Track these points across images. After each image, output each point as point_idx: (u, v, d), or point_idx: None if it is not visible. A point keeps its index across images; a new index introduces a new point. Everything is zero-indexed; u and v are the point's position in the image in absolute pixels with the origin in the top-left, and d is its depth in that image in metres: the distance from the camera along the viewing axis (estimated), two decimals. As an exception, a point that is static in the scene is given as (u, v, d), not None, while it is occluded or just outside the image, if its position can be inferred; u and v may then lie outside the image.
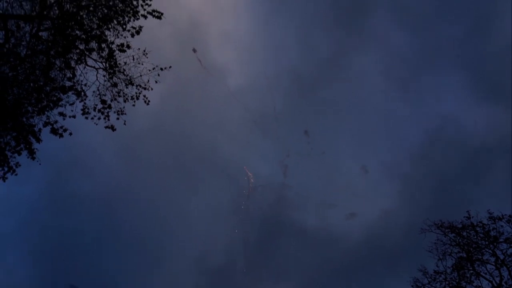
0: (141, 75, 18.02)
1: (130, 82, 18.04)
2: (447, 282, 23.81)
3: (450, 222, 25.15)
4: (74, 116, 17.76)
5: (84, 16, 16.42)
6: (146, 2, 17.31)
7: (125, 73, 17.88)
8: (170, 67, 18.44)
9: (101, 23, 16.32)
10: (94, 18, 16.48)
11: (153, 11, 17.14)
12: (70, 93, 17.42)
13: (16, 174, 17.73)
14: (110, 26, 16.65)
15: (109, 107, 18.03)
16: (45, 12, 16.77)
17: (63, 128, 17.19)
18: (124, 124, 18.34)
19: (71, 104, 17.61)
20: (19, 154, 17.25)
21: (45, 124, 16.92)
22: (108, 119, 18.10)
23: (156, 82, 18.20)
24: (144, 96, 18.38)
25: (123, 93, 18.09)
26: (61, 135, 17.07)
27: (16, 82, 16.54)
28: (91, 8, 16.35)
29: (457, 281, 23.70)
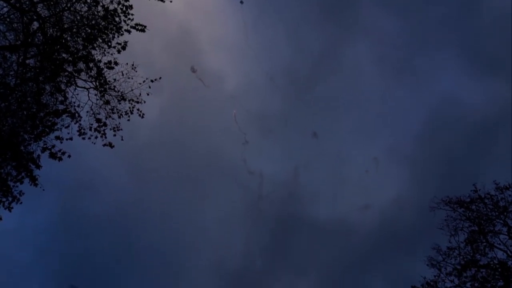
0: (132, 90, 18.10)
1: (122, 98, 18.10)
2: (461, 257, 23.80)
3: (458, 197, 25.15)
4: (71, 139, 17.81)
5: (68, 38, 16.49)
6: (128, 17, 17.37)
7: (116, 89, 17.96)
8: (160, 78, 18.52)
9: (86, 43, 16.38)
10: (78, 39, 16.55)
11: (136, 24, 17.18)
12: (64, 116, 17.48)
13: (21, 203, 17.79)
14: (95, 45, 16.71)
15: (105, 125, 18.10)
16: (29, 40, 16.86)
17: (61, 151, 17.25)
18: (122, 139, 18.40)
19: (67, 127, 17.68)
20: (21, 182, 17.31)
21: (43, 149, 16.98)
22: (105, 137, 18.15)
23: (148, 94, 18.28)
24: (138, 109, 18.44)
25: (117, 109, 18.16)
26: (60, 159, 17.12)
27: (9, 112, 16.62)
28: (74, 30, 16.43)
29: (471, 254, 23.69)
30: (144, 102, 18.40)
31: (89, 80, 17.63)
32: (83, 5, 16.71)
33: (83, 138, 18.26)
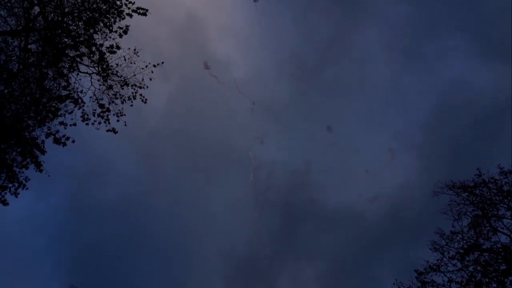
0: (134, 75, 18.01)
1: (125, 83, 18.04)
2: (464, 241, 23.87)
3: (462, 182, 25.08)
4: (74, 124, 17.85)
5: (70, 22, 16.35)
6: (129, 0, 17.18)
7: (118, 74, 17.88)
8: (162, 62, 18.38)
9: (87, 27, 16.24)
10: (79, 23, 16.41)
11: (138, 8, 17.00)
12: (67, 101, 17.48)
13: (26, 189, 17.95)
14: (97, 29, 16.58)
15: (108, 110, 18.09)
16: (30, 25, 16.73)
17: (65, 136, 17.31)
18: (125, 125, 18.40)
19: (70, 113, 17.70)
20: (26, 168, 17.43)
21: (47, 135, 17.04)
22: (109, 123, 18.17)
23: (150, 79, 18.20)
24: (141, 95, 18.38)
25: (120, 94, 18.11)
26: (64, 144, 17.19)
27: (12, 98, 16.63)
28: (75, 14, 16.27)
29: (474, 239, 23.75)
30: (147, 87, 18.35)
31: (91, 65, 17.57)
32: (83, -11, 16.53)
33: (87, 124, 18.29)
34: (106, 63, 17.28)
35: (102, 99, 18.11)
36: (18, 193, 17.98)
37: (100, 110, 18.08)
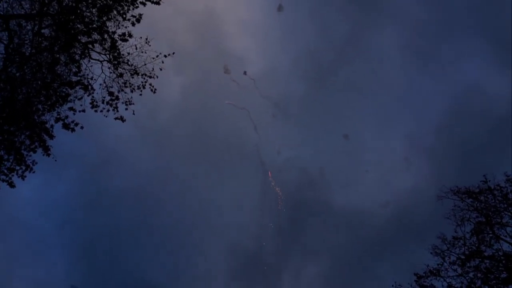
0: (145, 64, 18.05)
1: (135, 72, 18.09)
2: (466, 247, 23.78)
3: (467, 187, 24.93)
4: (83, 111, 17.94)
5: (84, 8, 16.40)
6: (143, -11, 17.17)
7: (129, 63, 17.93)
8: (173, 53, 18.40)
9: (101, 14, 16.28)
10: (93, 10, 16.45)
11: (151, -3, 17.00)
12: (77, 87, 17.57)
13: (33, 172, 18.10)
14: (110, 17, 16.61)
15: (117, 98, 18.16)
16: (45, 9, 16.80)
17: (74, 122, 17.42)
18: (133, 114, 18.50)
19: (80, 99, 17.79)
20: (34, 152, 17.59)
21: (56, 120, 17.16)
22: (117, 111, 18.26)
23: (161, 69, 18.22)
24: (151, 84, 18.43)
25: (129, 83, 18.16)
26: (73, 130, 17.31)
27: (24, 81, 16.75)
28: (89, 0, 16.31)
29: (476, 245, 23.65)
30: (157, 77, 18.38)
31: (103, 52, 17.61)
32: (99, -25, 16.54)
33: (95, 111, 18.38)
34: (118, 51, 17.33)
35: (112, 87, 18.20)
36: (25, 176, 18.15)
37: (109, 97, 18.16)
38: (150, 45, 17.89)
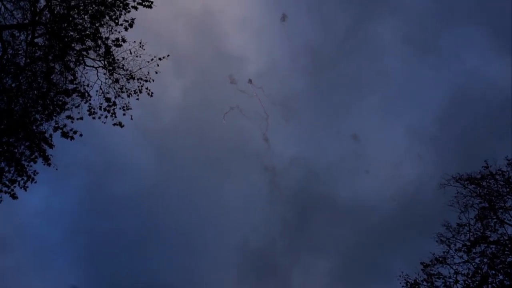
0: (140, 68, 18.02)
1: (131, 77, 18.06)
2: (471, 233, 23.81)
3: (469, 174, 24.96)
4: (81, 118, 17.94)
5: (76, 15, 16.35)
6: (134, -7, 17.11)
7: (124, 68, 17.91)
8: (168, 55, 18.32)
9: (93, 21, 16.25)
10: (85, 17, 16.41)
11: (143, 0, 16.94)
12: (74, 95, 17.57)
13: (35, 182, 18.11)
14: (103, 22, 16.57)
15: (114, 104, 18.14)
16: (37, 18, 16.76)
17: (73, 130, 17.42)
18: (131, 119, 18.47)
19: (77, 107, 17.79)
20: (35, 162, 17.59)
21: (55, 129, 17.17)
22: (115, 116, 18.24)
23: (156, 72, 18.18)
24: (147, 88, 18.41)
25: (126, 88, 18.14)
26: (72, 138, 17.31)
27: (20, 92, 16.73)
28: (81, 7, 16.27)
29: (481, 231, 23.69)
30: (153, 80, 18.35)
31: (97, 58, 17.59)
32: (89, -18, 16.50)
33: (93, 118, 18.37)
34: (112, 57, 17.30)
35: (108, 93, 18.18)
36: (27, 187, 18.16)
37: (106, 104, 18.14)
38: (144, 49, 17.87)
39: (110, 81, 18.07)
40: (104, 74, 17.89)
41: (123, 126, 18.80)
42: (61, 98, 17.44)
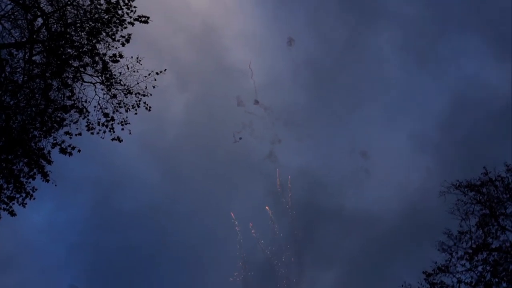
0: (138, 83, 18.16)
1: (128, 92, 18.18)
2: (472, 241, 23.65)
3: (468, 180, 24.88)
4: (80, 134, 18.00)
5: (73, 33, 16.54)
6: (130, 9, 17.33)
7: (122, 83, 18.03)
8: (165, 70, 18.49)
9: (90, 37, 16.42)
10: (82, 34, 16.61)
11: (139, 16, 17.17)
12: (72, 111, 17.65)
13: (34, 199, 18.08)
14: (99, 39, 16.75)
15: (112, 119, 18.22)
16: (34, 36, 16.95)
17: (71, 146, 17.46)
18: (130, 133, 18.53)
19: (75, 122, 17.85)
20: (33, 178, 17.58)
21: (53, 145, 17.20)
22: (114, 131, 18.30)
23: (153, 87, 18.32)
24: (145, 103, 18.52)
25: (124, 103, 18.24)
26: (70, 154, 17.33)
27: (18, 109, 16.82)
28: (78, 24, 16.46)
29: (482, 238, 23.55)
30: (150, 95, 18.47)
31: (95, 74, 17.73)
32: (85, -1, 16.73)
33: (92, 133, 18.43)
34: (110, 72, 17.44)
35: (106, 108, 18.27)
36: (26, 204, 18.12)
37: (104, 119, 18.23)
38: (141, 64, 18.01)
39: (108, 96, 18.19)
40: (102, 89, 18.03)
41: (122, 140, 18.85)
42: (59, 115, 17.51)
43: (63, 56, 16.65)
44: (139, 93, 18.36)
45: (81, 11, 16.85)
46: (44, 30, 16.66)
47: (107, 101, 18.26)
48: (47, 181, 17.37)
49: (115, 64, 17.45)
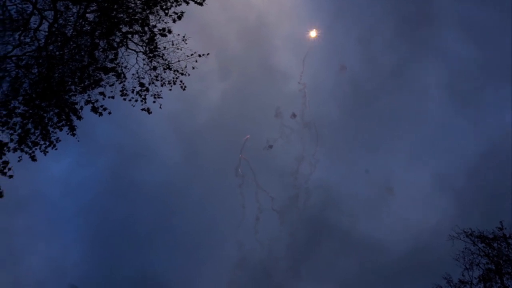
0: (179, 61, 18.35)
1: (168, 67, 18.42)
2: (472, 293, 23.11)
3: (481, 231, 24.29)
4: (113, 97, 18.34)
5: (129, -1, 16.85)
6: (188, -13, 17.52)
7: (164, 57, 18.27)
8: (208, 54, 18.66)
9: (145, 7, 16.69)
10: (138, 2, 16.89)
11: (195, -4, 17.35)
12: (111, 74, 17.99)
13: (56, 149, 18.56)
14: (153, 10, 17.00)
15: (147, 90, 18.50)
16: (92, -6, 17.33)
17: (103, 107, 17.83)
18: (160, 107, 18.78)
19: (111, 85, 18.20)
20: (60, 129, 18.03)
21: (87, 102, 17.60)
22: (145, 102, 18.58)
23: (193, 68, 18.49)
24: (181, 81, 18.73)
25: (161, 77, 18.50)
26: (100, 114, 17.70)
27: (62, 61, 17.26)
28: (136, -8, 16.75)
29: (483, 293, 22.97)
30: (189, 75, 18.66)
31: (140, 44, 18.01)
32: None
33: (124, 99, 18.75)
34: (155, 45, 17.69)
35: (143, 78, 18.56)
36: (47, 151, 18.62)
37: (139, 88, 18.52)
38: (186, 43, 18.21)
39: (148, 67, 18.46)
40: (143, 59, 18.30)
41: (151, 112, 19.12)
42: (98, 74, 17.89)
43: (115, 20, 16.97)
44: (177, 71, 18.58)
45: (142, -20, 17.14)
46: (103, -10, 17.02)
47: (146, 72, 18.55)
48: (74, 134, 17.79)
49: (162, 38, 17.69)
